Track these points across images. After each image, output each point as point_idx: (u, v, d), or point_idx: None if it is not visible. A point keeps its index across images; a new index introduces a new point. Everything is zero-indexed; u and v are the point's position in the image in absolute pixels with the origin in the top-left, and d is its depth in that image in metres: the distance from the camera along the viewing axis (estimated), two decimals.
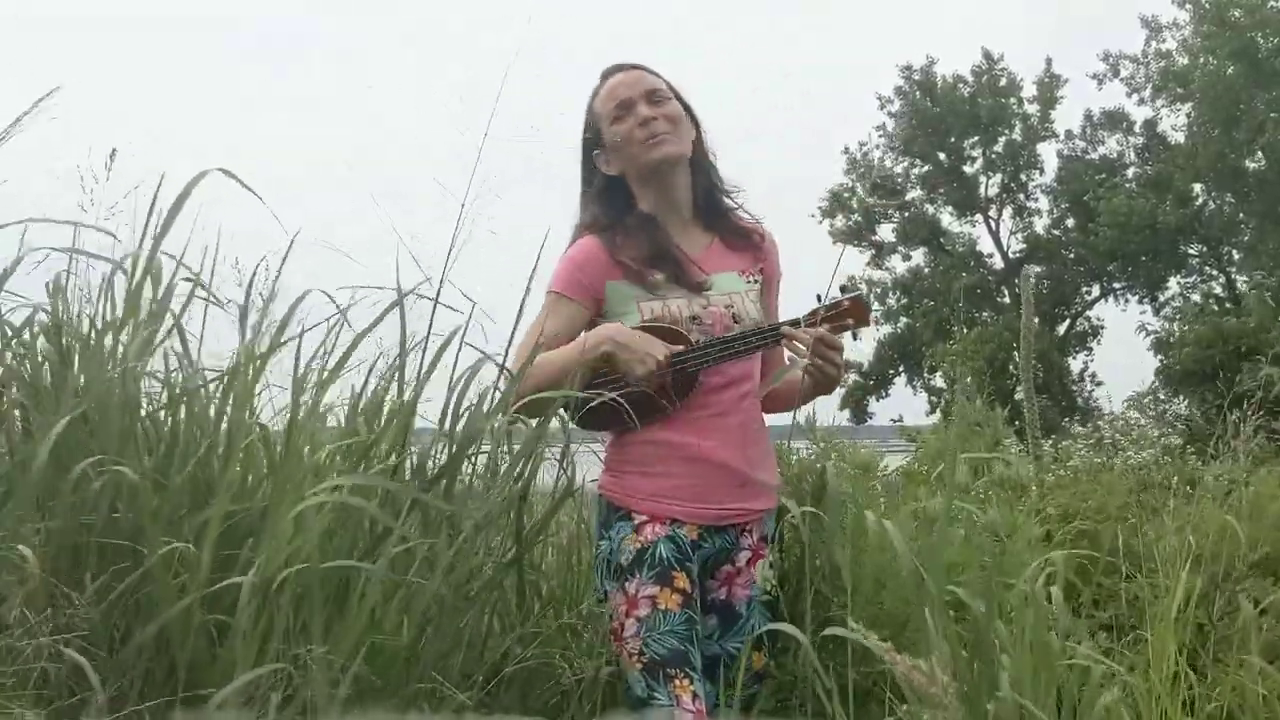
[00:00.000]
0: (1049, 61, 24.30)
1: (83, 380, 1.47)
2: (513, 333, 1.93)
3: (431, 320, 1.79)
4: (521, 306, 1.95)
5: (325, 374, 1.65)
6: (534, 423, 1.86)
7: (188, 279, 1.61)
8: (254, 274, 1.67)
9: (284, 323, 1.64)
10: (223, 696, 1.21)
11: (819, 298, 2.02)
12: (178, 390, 1.56)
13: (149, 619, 1.31)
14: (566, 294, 1.99)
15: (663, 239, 2.02)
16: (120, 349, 1.52)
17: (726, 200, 2.13)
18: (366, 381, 1.75)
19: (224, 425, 1.52)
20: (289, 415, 1.54)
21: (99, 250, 1.58)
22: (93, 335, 1.53)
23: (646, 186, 2.05)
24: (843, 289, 2.03)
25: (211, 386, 1.60)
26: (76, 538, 1.35)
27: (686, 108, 2.08)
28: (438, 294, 1.82)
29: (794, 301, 2.15)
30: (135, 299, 1.54)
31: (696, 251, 2.05)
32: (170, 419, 1.55)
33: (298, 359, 1.62)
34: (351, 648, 1.37)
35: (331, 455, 1.59)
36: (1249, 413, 2.91)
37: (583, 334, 1.97)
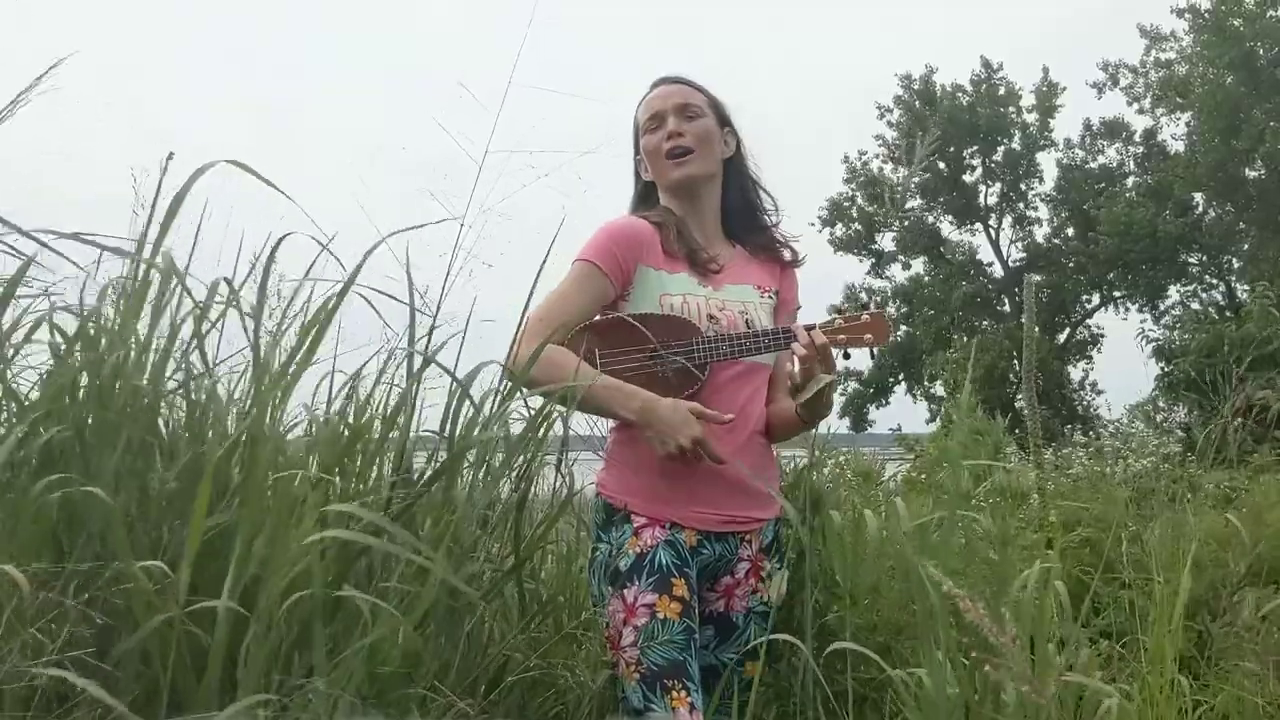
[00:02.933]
0: (1045, 70, 24.40)
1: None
2: (514, 338, 1.89)
3: (432, 329, 1.76)
4: (524, 312, 1.93)
5: (287, 376, 1.58)
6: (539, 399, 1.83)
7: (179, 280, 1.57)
8: (265, 271, 1.63)
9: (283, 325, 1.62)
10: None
11: (839, 309, 2.02)
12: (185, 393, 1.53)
13: (130, 633, 1.28)
14: (599, 264, 1.95)
15: (683, 226, 2.05)
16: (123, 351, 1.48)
17: (762, 218, 2.14)
18: (355, 391, 1.69)
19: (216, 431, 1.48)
20: (250, 424, 1.43)
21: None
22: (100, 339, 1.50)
23: (674, 198, 2.09)
24: (863, 306, 2.02)
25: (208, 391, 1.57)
26: (52, 547, 1.33)
27: (727, 123, 2.12)
28: (437, 311, 1.78)
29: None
30: (140, 299, 1.49)
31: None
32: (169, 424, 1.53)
33: (256, 356, 1.52)
34: (348, 671, 1.34)
35: (321, 476, 1.53)
36: (1248, 421, 2.92)
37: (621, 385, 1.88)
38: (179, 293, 1.53)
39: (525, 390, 1.78)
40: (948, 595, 1.34)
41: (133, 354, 1.47)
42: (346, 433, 1.59)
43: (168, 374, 1.53)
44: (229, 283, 1.57)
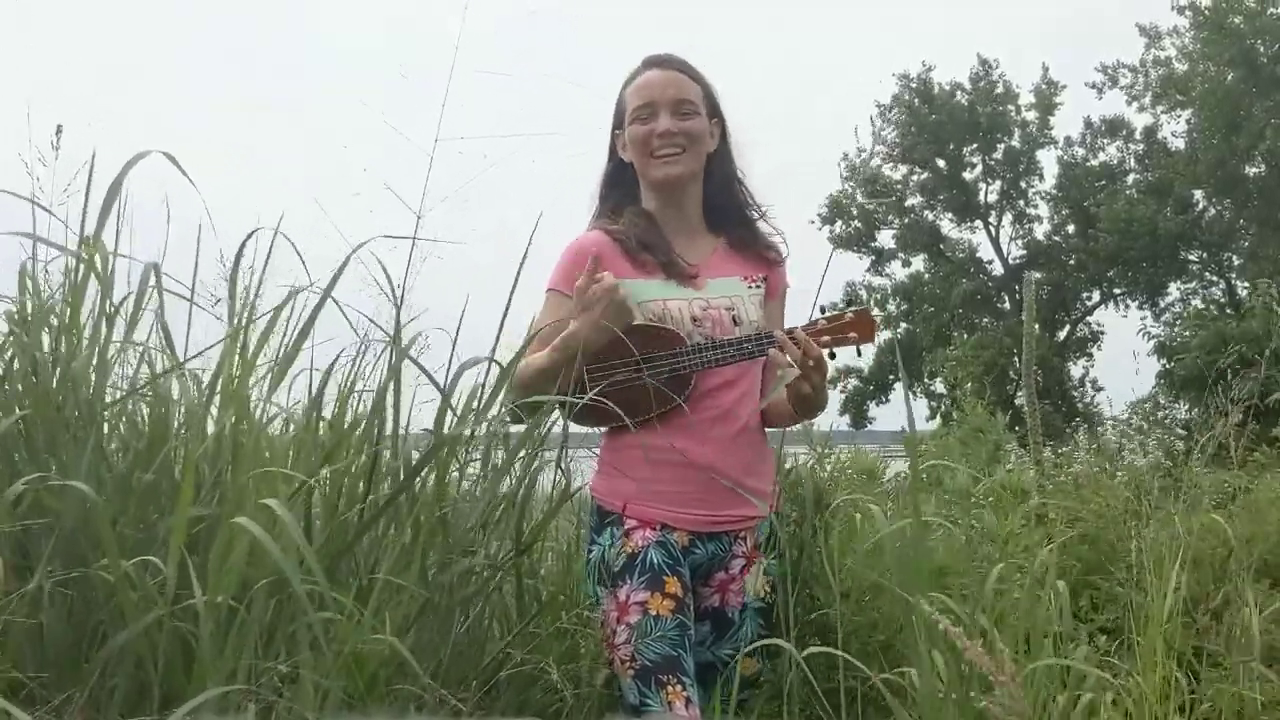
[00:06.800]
0: (1045, 68, 24.32)
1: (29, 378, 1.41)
2: (499, 330, 1.90)
3: (397, 323, 1.74)
4: (508, 305, 1.93)
5: (271, 373, 1.57)
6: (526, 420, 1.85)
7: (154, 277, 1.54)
8: (236, 266, 1.62)
9: (273, 321, 1.61)
10: (180, 715, 1.16)
11: (823, 309, 2.01)
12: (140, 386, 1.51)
13: (115, 630, 1.27)
14: (562, 290, 1.98)
15: (655, 233, 2.01)
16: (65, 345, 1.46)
17: (746, 213, 2.10)
18: (324, 383, 1.67)
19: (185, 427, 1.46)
20: (232, 417, 1.45)
21: (54, 237, 1.52)
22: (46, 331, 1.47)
23: (653, 193, 2.06)
24: (849, 303, 2.01)
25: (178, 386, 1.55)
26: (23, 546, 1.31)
27: (717, 114, 2.07)
28: (400, 301, 1.76)
29: (799, 312, 2.14)
30: (81, 291, 1.48)
31: (698, 258, 2.04)
32: (132, 418, 1.52)
33: (242, 356, 1.52)
34: (330, 660, 1.33)
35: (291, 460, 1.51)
36: (1248, 419, 2.90)
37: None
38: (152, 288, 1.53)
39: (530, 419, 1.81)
40: (938, 625, 1.32)
41: (82, 348, 1.45)
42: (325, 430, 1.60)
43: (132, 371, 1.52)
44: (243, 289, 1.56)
